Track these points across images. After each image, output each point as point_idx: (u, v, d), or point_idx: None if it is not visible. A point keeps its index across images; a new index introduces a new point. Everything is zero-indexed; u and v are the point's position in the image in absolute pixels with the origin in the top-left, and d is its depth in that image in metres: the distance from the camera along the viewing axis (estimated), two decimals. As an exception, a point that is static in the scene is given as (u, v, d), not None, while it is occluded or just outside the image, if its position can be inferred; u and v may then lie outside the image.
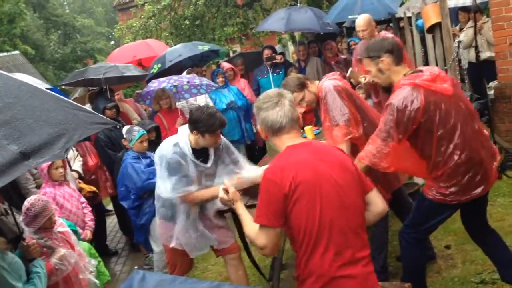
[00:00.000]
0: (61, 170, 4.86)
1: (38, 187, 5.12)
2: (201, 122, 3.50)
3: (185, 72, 7.07)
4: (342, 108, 3.75)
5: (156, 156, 3.71)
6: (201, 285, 2.68)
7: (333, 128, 3.93)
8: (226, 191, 2.66)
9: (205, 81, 6.62)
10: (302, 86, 4.07)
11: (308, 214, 2.19)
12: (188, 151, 3.59)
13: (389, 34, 5.56)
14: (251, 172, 3.83)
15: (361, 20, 5.51)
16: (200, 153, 3.68)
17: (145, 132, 5.13)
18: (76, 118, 2.19)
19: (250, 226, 2.39)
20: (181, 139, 3.62)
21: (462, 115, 3.05)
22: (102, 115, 2.83)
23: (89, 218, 5.06)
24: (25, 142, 1.93)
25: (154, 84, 6.48)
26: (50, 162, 4.73)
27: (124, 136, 5.20)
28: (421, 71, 3.13)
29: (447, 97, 3.02)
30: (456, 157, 3.01)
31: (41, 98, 2.16)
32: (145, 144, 5.12)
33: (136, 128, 5.15)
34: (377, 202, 2.46)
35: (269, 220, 2.23)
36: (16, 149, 1.88)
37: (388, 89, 3.36)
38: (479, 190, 3.07)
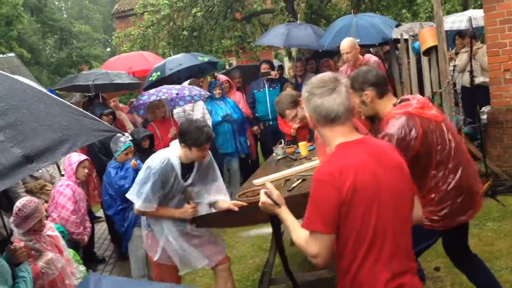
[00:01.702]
0: (86, 170, 4.99)
1: (27, 191, 5.09)
2: (188, 134, 3.53)
3: (186, 83, 7.06)
4: None
5: (145, 163, 3.74)
6: (154, 285, 2.69)
7: (326, 144, 3.96)
8: (268, 195, 2.39)
9: (195, 91, 6.62)
10: (295, 103, 4.13)
11: (363, 222, 2.01)
12: (178, 165, 3.62)
13: (373, 58, 5.64)
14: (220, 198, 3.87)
15: (345, 43, 5.59)
16: (188, 168, 3.71)
17: (131, 144, 5.12)
18: (81, 124, 2.18)
19: (299, 233, 2.16)
20: (172, 154, 3.65)
21: (455, 139, 3.11)
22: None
23: (89, 224, 5.16)
24: (28, 145, 1.92)
25: (144, 97, 6.48)
26: (81, 159, 4.93)
27: (111, 145, 5.19)
28: (407, 99, 3.16)
29: (438, 123, 3.07)
30: (449, 181, 3.06)
31: (46, 103, 2.16)
32: (130, 156, 5.12)
33: (123, 139, 5.12)
34: (417, 206, 2.33)
35: (324, 226, 2.03)
36: (20, 152, 1.86)
37: (371, 118, 3.38)
38: (466, 215, 3.12)
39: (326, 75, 2.20)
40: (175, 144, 3.71)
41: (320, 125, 2.19)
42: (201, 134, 3.51)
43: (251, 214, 3.63)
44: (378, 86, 3.15)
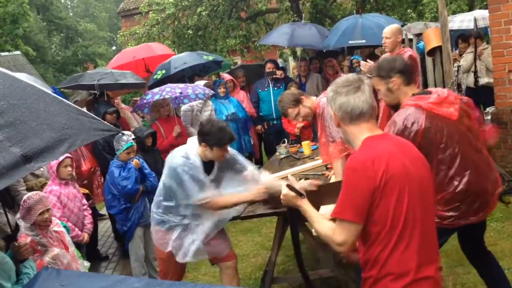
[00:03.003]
0: (69, 169, 4.86)
1: (28, 189, 5.10)
2: (210, 135, 3.53)
3: (200, 82, 7.06)
4: None
5: (166, 166, 3.69)
6: (106, 279, 2.70)
7: (329, 144, 3.98)
8: (291, 187, 2.41)
9: (199, 89, 6.61)
10: (297, 101, 4.14)
11: (395, 209, 2.05)
12: (199, 162, 3.60)
13: (409, 52, 5.52)
14: (267, 180, 3.79)
15: (388, 28, 5.46)
16: (206, 165, 3.70)
17: (133, 143, 5.08)
18: (80, 123, 2.19)
19: (322, 223, 2.23)
20: (190, 150, 3.63)
21: (466, 141, 3.04)
22: (104, 121, 2.79)
23: (89, 221, 5.05)
24: (27, 145, 1.92)
25: (148, 96, 6.49)
26: (60, 160, 4.75)
27: (114, 143, 5.16)
28: (430, 92, 3.13)
29: (451, 122, 3.02)
30: (456, 183, 3.02)
31: (46, 102, 2.17)
32: (132, 155, 5.08)
33: (125, 138, 5.06)
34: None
35: (354, 215, 2.06)
36: (18, 151, 1.87)
37: (396, 108, 3.36)
38: (476, 217, 3.08)
39: (351, 75, 2.30)
40: (193, 141, 3.71)
41: (345, 123, 2.25)
42: (224, 134, 3.54)
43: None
44: (405, 73, 3.15)
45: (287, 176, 4.02)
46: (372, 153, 2.11)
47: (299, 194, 2.40)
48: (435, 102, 3.02)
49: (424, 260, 2.10)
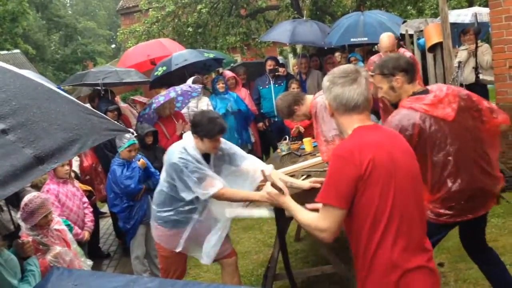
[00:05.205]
0: (66, 167, 4.83)
1: (33, 186, 5.10)
2: (200, 126, 3.52)
3: (190, 80, 7.09)
4: (333, 124, 3.81)
5: (166, 163, 3.68)
6: (118, 278, 2.72)
7: (324, 143, 4.02)
8: (273, 185, 2.48)
9: (186, 87, 6.65)
10: (290, 113, 4.34)
11: (380, 200, 2.05)
12: (199, 155, 3.57)
13: (407, 53, 5.58)
14: (257, 164, 3.76)
15: (386, 38, 5.62)
16: (204, 158, 3.68)
17: (135, 141, 5.09)
18: (91, 123, 2.18)
19: (305, 214, 2.28)
20: (188, 144, 3.62)
21: (462, 141, 3.04)
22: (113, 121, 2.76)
23: (89, 219, 5.03)
24: (39, 146, 1.91)
25: (147, 110, 6.50)
26: None
27: (116, 141, 5.16)
28: (426, 91, 3.11)
29: (447, 123, 3.01)
30: (450, 184, 3.03)
31: (57, 101, 2.16)
32: (133, 153, 5.07)
33: (128, 135, 5.05)
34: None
35: (337, 200, 2.07)
36: (31, 153, 1.86)
37: (396, 106, 3.36)
38: (473, 214, 3.10)
39: (348, 66, 2.29)
40: (188, 135, 3.71)
41: (339, 113, 2.25)
42: (214, 125, 3.50)
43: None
44: (408, 72, 3.15)
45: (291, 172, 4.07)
46: (360, 142, 2.12)
47: (281, 191, 2.47)
48: (431, 104, 3.01)
49: (414, 250, 2.10)
